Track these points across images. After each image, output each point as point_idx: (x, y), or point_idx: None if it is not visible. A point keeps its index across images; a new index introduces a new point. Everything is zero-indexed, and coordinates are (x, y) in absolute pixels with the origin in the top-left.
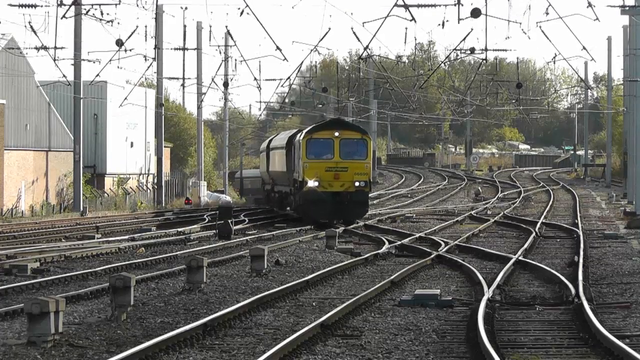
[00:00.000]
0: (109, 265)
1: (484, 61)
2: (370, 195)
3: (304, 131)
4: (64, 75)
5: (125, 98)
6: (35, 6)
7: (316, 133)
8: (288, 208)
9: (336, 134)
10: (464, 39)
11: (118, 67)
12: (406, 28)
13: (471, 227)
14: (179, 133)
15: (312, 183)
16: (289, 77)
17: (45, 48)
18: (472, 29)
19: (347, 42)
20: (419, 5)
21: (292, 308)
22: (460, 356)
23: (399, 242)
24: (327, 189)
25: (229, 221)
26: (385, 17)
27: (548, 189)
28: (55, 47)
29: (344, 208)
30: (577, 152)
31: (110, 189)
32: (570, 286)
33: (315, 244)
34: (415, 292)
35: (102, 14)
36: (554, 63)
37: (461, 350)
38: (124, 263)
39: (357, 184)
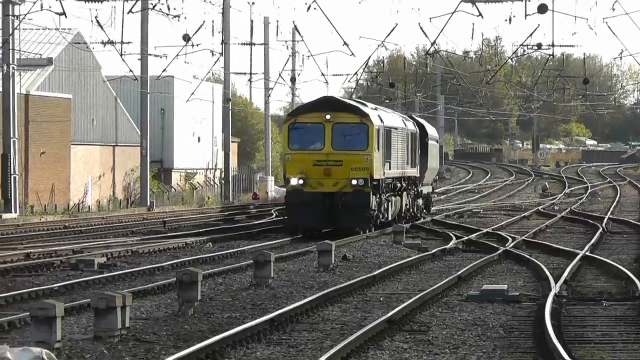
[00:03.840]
0: (176, 260)
1: (551, 57)
2: (437, 190)
3: (288, 113)
4: (130, 70)
5: (193, 93)
6: (101, 1)
7: (301, 116)
8: None
9: (327, 116)
10: (531, 34)
11: (185, 62)
12: (473, 23)
13: (538, 222)
14: (246, 128)
15: (295, 181)
16: (356, 73)
17: (111, 43)
18: (538, 25)
19: (414, 38)
20: (486, 1)
21: (360, 303)
22: (527, 351)
23: (466, 238)
24: (316, 189)
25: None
26: (453, 13)
27: (615, 185)
28: (122, 42)
29: (338, 214)
30: None
31: (177, 183)
32: (637, 282)
33: (383, 239)
34: (483, 287)
35: (168, 8)
36: (621, 59)
37: (528, 346)
38: (191, 258)
39: (354, 182)
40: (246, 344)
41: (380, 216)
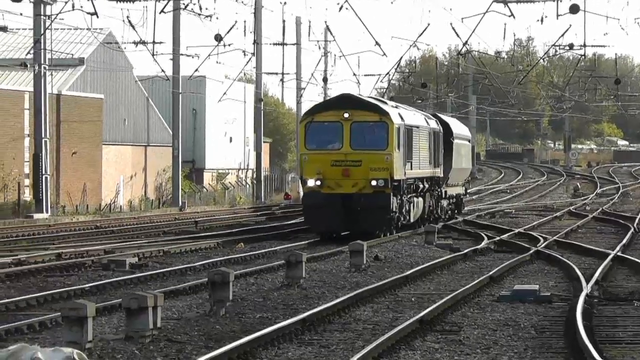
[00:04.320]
0: (208, 260)
1: (583, 57)
2: (469, 190)
3: (304, 112)
4: (162, 70)
5: (224, 93)
6: (133, 1)
7: (319, 114)
8: None
9: (346, 115)
10: (563, 34)
11: (217, 62)
12: (505, 24)
13: (570, 222)
14: (278, 128)
15: (312, 182)
16: (388, 73)
17: (143, 43)
18: (570, 25)
19: (446, 38)
20: (517, 1)
21: (391, 303)
22: (558, 351)
23: (498, 238)
24: (334, 191)
25: None
26: (485, 13)
27: None
28: (154, 42)
29: (357, 216)
30: None
31: (209, 184)
32: None
33: (415, 240)
34: (514, 287)
35: (200, 8)
36: None
37: (560, 346)
38: (222, 258)
39: (374, 182)
40: (278, 344)
41: (402, 218)
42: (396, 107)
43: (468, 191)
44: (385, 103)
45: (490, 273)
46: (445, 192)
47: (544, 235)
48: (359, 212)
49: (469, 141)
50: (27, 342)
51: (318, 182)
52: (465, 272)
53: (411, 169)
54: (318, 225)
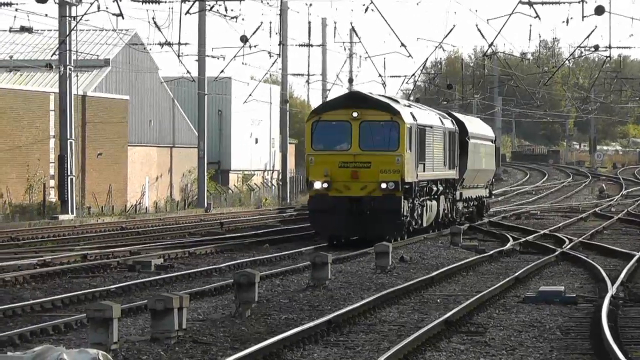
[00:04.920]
0: (233, 262)
1: (608, 58)
2: (494, 192)
3: (311, 110)
4: (188, 72)
5: (250, 94)
6: (159, 2)
7: (326, 113)
8: None
9: (355, 114)
10: (588, 36)
11: (242, 63)
12: (530, 25)
13: (595, 224)
14: (303, 129)
15: (319, 185)
16: (413, 74)
17: (169, 44)
18: (596, 27)
19: (471, 39)
20: (543, 3)
21: (417, 305)
22: (584, 352)
23: (524, 239)
24: (342, 194)
25: None
26: (510, 14)
27: None
28: (179, 43)
29: (366, 221)
30: None
31: (234, 185)
32: None
33: (440, 241)
34: (540, 288)
35: (226, 10)
36: None
37: (585, 347)
38: (248, 259)
39: (384, 185)
40: (303, 346)
41: (414, 223)
42: (409, 105)
43: (493, 193)
44: (397, 102)
45: (516, 274)
46: (461, 194)
47: (569, 237)
48: (368, 216)
49: (493, 142)
50: (52, 343)
51: (325, 185)
52: (491, 273)
53: (424, 170)
54: (325, 230)
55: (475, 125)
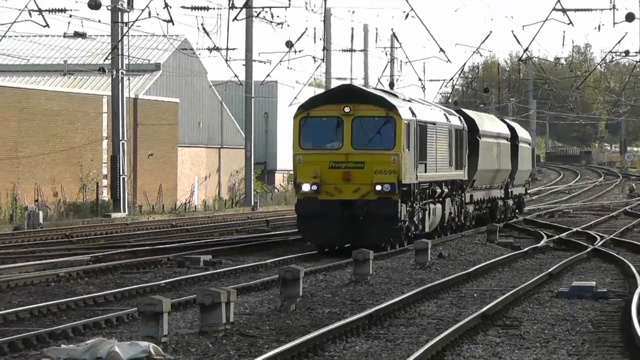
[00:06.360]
0: (279, 258)
1: (638, 63)
2: (529, 191)
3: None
4: (235, 75)
5: (295, 97)
6: (207, 8)
7: (315, 109)
8: None
9: (346, 109)
10: (619, 41)
11: (288, 67)
12: (564, 31)
13: (625, 222)
14: None
15: (307, 187)
16: (452, 78)
17: (217, 49)
18: (626, 33)
19: (507, 45)
20: (576, 10)
21: (454, 299)
22: (614, 345)
23: (557, 236)
24: (333, 197)
25: None
26: (544, 21)
27: None
28: (227, 48)
29: (360, 226)
30: None
31: (280, 184)
32: None
33: (477, 238)
34: (572, 284)
35: (272, 16)
36: None
37: (615, 340)
38: (292, 255)
39: (378, 187)
40: (346, 338)
41: (413, 228)
42: (409, 100)
43: (529, 191)
44: (395, 96)
45: (550, 270)
46: (472, 196)
47: (600, 234)
48: (362, 221)
49: (529, 143)
50: (104, 336)
51: (314, 187)
52: (526, 269)
53: (425, 171)
54: (314, 237)
55: (488, 122)
